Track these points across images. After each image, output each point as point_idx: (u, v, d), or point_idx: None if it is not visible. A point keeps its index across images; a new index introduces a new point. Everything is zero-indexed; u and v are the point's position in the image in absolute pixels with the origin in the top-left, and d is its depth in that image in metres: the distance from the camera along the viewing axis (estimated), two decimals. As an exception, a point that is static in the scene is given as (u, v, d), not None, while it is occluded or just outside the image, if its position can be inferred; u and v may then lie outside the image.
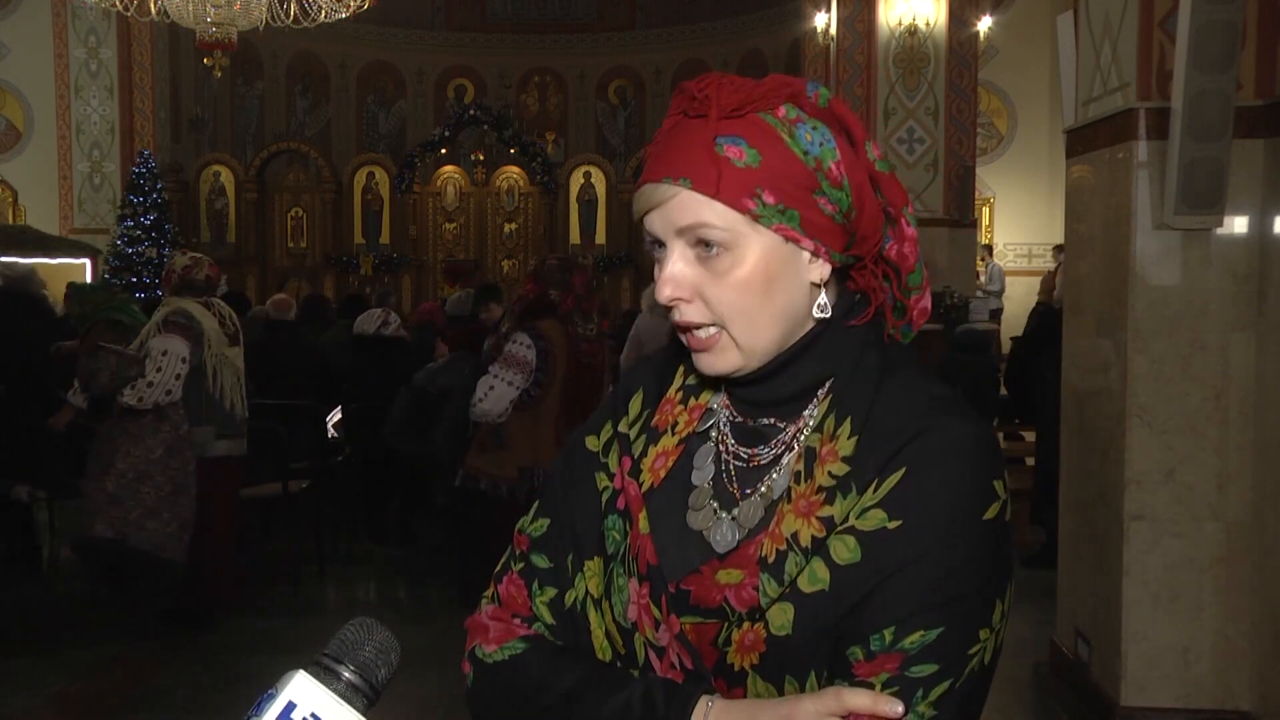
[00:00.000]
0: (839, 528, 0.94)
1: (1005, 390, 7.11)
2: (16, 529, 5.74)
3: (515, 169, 15.21)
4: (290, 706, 0.79)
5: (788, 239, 0.97)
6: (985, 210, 13.91)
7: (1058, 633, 4.30)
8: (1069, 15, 4.25)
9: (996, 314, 12.62)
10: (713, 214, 0.95)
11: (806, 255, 0.99)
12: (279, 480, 5.60)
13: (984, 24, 10.79)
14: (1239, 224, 3.59)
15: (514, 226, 15.28)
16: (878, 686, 0.90)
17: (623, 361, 5.02)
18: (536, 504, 1.14)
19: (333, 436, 6.45)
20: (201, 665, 4.49)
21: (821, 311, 1.01)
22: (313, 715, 0.79)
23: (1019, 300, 12.87)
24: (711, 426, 1.07)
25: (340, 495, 6.47)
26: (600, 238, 15.04)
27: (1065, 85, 4.23)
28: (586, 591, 1.07)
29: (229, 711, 4.01)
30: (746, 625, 0.96)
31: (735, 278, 0.97)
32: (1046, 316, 6.29)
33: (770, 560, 0.96)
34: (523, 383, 4.00)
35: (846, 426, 0.97)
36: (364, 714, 0.82)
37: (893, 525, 0.92)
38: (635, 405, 1.11)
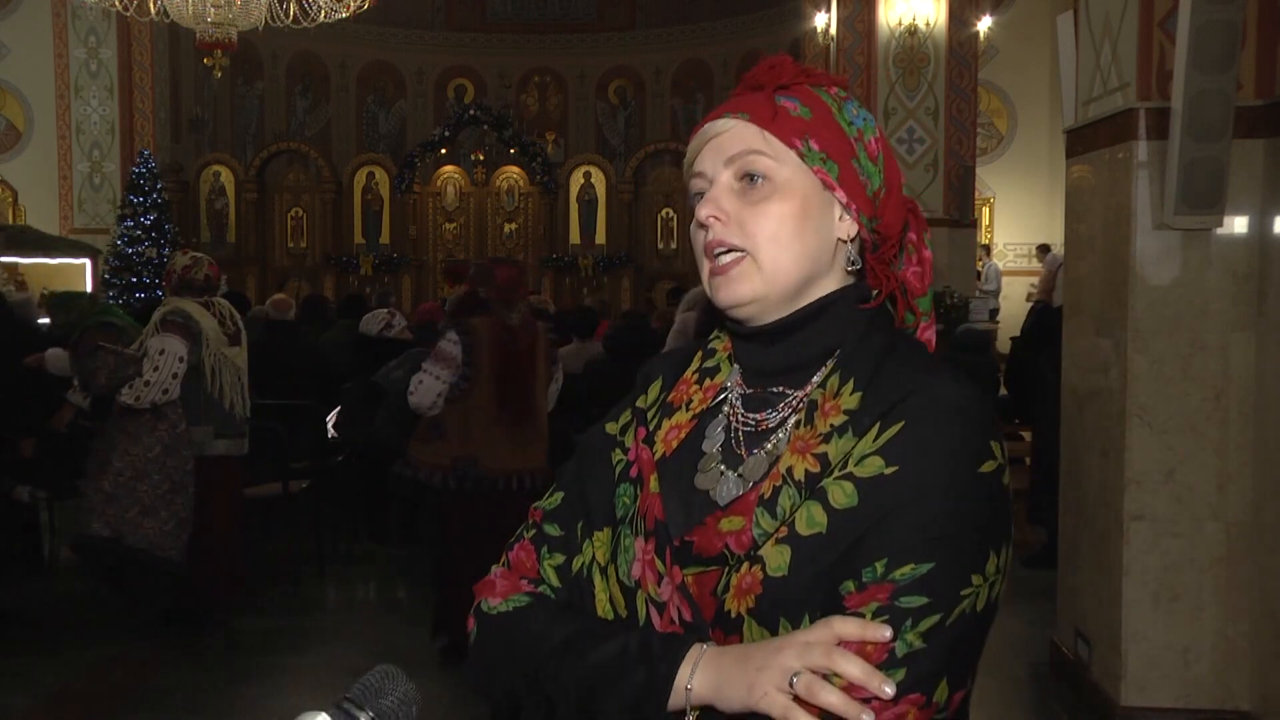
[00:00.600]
0: (836, 472, 0.97)
1: (1005, 390, 7.11)
2: (17, 529, 5.74)
3: (515, 169, 15.21)
4: None
5: (826, 185, 1.04)
6: (985, 210, 13.91)
7: (1058, 633, 4.30)
8: (1069, 15, 4.25)
9: (993, 314, 12.64)
10: (764, 143, 1.04)
11: (838, 210, 1.06)
12: (279, 480, 5.61)
13: (984, 24, 10.79)
14: (1239, 224, 3.59)
15: (514, 226, 15.27)
16: (868, 615, 0.92)
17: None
18: (554, 483, 1.19)
19: (333, 436, 6.45)
20: (201, 665, 4.49)
21: (852, 265, 1.08)
22: None
23: (1018, 300, 12.88)
24: (724, 401, 1.11)
25: (340, 495, 6.47)
26: (600, 238, 15.04)
27: (1065, 85, 4.23)
28: (593, 558, 1.11)
29: (229, 712, 4.01)
30: (745, 567, 0.98)
31: (773, 207, 1.03)
32: (1045, 314, 6.29)
33: (767, 496, 0.99)
34: (449, 377, 4.15)
35: (850, 386, 1.01)
36: None
37: (889, 471, 0.95)
38: (654, 390, 1.16)
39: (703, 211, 1.05)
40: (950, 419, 0.97)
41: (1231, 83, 3.38)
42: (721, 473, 1.06)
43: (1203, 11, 3.30)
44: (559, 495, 1.16)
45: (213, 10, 9.19)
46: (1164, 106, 3.53)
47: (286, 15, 9.84)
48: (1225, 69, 3.36)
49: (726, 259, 1.04)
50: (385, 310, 6.82)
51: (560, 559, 1.12)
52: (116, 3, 9.34)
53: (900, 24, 9.56)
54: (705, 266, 1.06)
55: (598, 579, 1.10)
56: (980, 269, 12.77)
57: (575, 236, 15.05)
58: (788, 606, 0.96)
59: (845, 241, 1.07)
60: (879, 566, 0.93)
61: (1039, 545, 5.61)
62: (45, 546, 6.06)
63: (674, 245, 14.97)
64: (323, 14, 9.92)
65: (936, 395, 0.98)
